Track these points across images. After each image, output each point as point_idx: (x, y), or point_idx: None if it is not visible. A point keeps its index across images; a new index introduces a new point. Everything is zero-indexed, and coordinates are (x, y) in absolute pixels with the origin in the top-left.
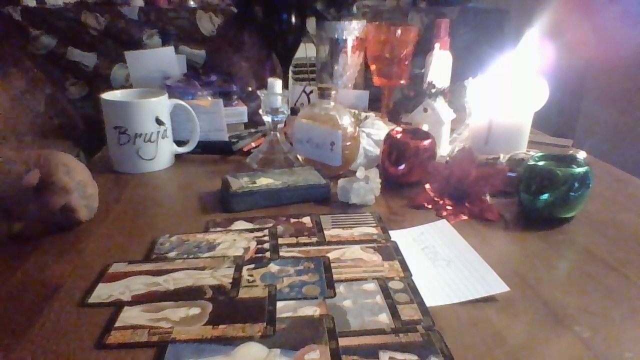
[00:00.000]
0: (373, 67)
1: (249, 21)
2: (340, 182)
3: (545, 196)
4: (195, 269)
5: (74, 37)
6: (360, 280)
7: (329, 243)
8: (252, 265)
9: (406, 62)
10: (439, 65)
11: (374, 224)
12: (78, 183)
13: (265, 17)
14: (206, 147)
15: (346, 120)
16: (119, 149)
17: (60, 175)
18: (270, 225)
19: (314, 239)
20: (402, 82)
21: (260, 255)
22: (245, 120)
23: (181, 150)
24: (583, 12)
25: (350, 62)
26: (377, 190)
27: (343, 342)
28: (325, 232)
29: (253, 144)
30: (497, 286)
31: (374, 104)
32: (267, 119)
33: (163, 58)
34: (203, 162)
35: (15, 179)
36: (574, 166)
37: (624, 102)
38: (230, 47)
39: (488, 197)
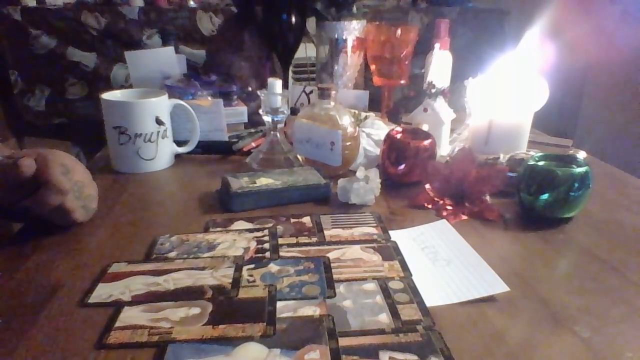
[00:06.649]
0: (373, 67)
1: (249, 21)
2: (340, 182)
3: (545, 196)
4: (195, 269)
5: (74, 37)
6: (360, 280)
7: (329, 243)
8: (252, 265)
9: (406, 62)
10: (439, 65)
11: (374, 224)
12: (75, 184)
13: (265, 17)
14: (206, 147)
15: (346, 120)
16: (119, 149)
17: (56, 175)
18: (270, 225)
19: (314, 239)
20: (402, 82)
21: (260, 255)
22: (245, 120)
23: (181, 150)
24: (583, 12)
25: (350, 62)
26: (377, 190)
27: (343, 342)
28: (325, 232)
29: (253, 144)
30: (497, 286)
31: (374, 104)
32: (267, 119)
33: (163, 58)
34: (203, 162)
35: (11, 172)
36: (574, 166)
37: (624, 102)
38: (230, 47)
39: (488, 197)
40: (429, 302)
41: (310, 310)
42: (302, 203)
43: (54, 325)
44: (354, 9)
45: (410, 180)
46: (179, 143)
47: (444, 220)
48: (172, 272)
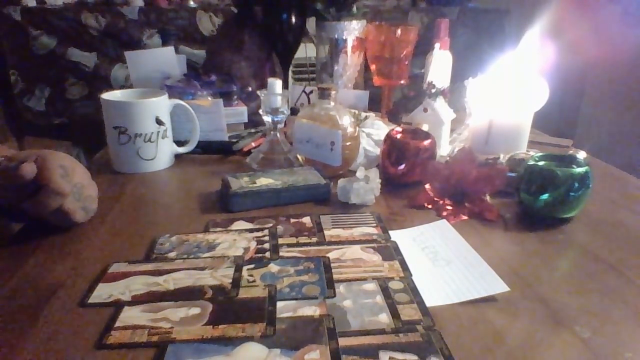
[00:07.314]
0: (373, 67)
1: (249, 21)
2: (340, 182)
3: (545, 196)
4: (195, 269)
5: (74, 37)
6: (360, 280)
7: (329, 243)
8: (252, 265)
9: (406, 62)
10: (439, 65)
11: (374, 224)
12: (74, 185)
13: (265, 17)
14: (206, 147)
15: (346, 120)
16: (119, 149)
17: (56, 178)
18: (270, 225)
19: (314, 239)
20: (402, 82)
21: (260, 255)
22: (245, 120)
23: (181, 150)
24: (583, 12)
25: (350, 62)
26: (377, 190)
27: (343, 342)
28: (325, 232)
29: (253, 144)
30: (497, 286)
31: (374, 104)
32: (267, 119)
33: (163, 58)
34: (203, 162)
35: (11, 176)
36: (574, 166)
37: (624, 102)
38: (230, 47)
39: (488, 197)
40: (429, 302)
41: (310, 310)
42: (302, 203)
43: (54, 325)
44: (354, 9)
45: (410, 180)
46: (179, 143)
47: (444, 220)
48: (172, 272)
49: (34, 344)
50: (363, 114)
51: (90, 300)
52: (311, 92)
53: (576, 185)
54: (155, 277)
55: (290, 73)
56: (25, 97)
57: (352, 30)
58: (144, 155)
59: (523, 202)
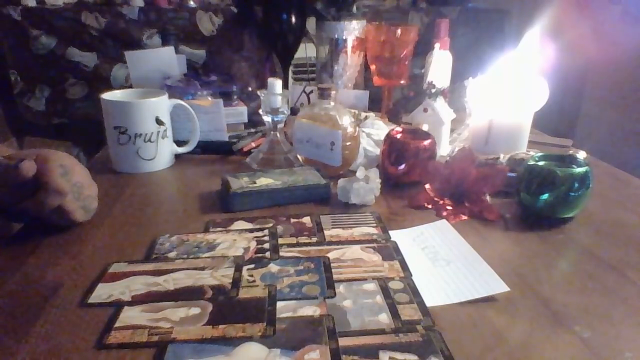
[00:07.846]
0: (373, 67)
1: (249, 21)
2: (340, 182)
3: (545, 196)
4: (195, 269)
5: (74, 37)
6: (360, 280)
7: (329, 243)
8: (252, 265)
9: (406, 62)
10: (439, 65)
11: (374, 224)
12: (74, 184)
13: (265, 17)
14: (206, 147)
15: (346, 120)
16: (119, 149)
17: (55, 176)
18: (270, 225)
19: (314, 239)
20: (402, 82)
21: (260, 255)
22: (245, 120)
23: (181, 150)
24: (583, 12)
25: (350, 62)
26: (377, 190)
27: (343, 342)
28: (325, 232)
29: (253, 144)
30: (497, 286)
31: (374, 104)
32: (267, 119)
33: (163, 58)
34: (203, 162)
35: (11, 174)
36: (574, 166)
37: (624, 102)
38: (230, 47)
39: (488, 197)
40: (429, 302)
41: (310, 310)
42: (302, 203)
43: (54, 325)
44: (354, 9)
45: (410, 180)
46: (179, 143)
47: (444, 220)
48: (172, 272)
49: (34, 344)
50: (363, 114)
51: (90, 300)
52: (311, 92)
53: (576, 185)
54: (155, 277)
55: (290, 73)
56: (25, 97)
57: (352, 30)
58: (144, 155)
59: (523, 202)
